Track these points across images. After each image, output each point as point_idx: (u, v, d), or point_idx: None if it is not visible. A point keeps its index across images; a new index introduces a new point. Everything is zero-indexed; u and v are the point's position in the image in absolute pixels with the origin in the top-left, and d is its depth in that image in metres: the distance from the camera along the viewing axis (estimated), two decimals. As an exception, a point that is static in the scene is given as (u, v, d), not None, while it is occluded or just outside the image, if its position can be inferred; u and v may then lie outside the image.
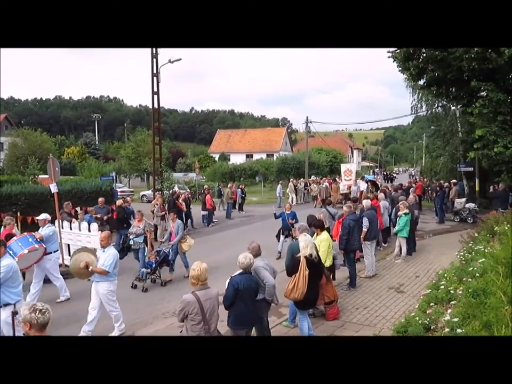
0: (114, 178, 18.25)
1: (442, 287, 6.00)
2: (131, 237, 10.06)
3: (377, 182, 25.42)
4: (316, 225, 7.39)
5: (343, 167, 25.28)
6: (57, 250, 8.85)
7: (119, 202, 13.52)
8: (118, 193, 19.46)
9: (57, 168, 10.97)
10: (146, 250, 10.00)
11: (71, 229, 11.17)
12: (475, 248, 7.31)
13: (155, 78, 17.68)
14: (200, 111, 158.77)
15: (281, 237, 11.68)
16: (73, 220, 11.56)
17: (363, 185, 23.06)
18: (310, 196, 26.96)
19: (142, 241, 10.02)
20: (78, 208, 13.82)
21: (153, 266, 9.35)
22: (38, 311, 3.10)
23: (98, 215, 12.59)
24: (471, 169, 20.92)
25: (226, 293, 4.91)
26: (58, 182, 11.71)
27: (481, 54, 12.58)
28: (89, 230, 10.60)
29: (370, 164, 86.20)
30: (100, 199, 13.48)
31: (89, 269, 6.64)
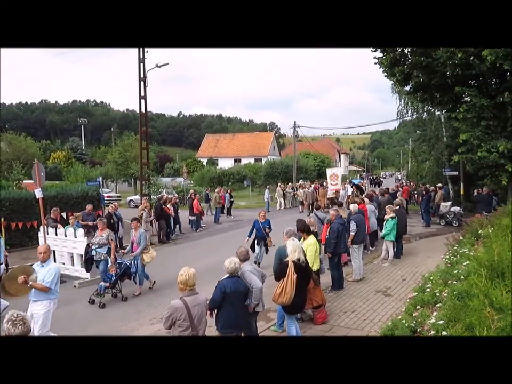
0: (101, 183, 18.06)
1: (428, 290, 6.05)
2: (93, 247, 9.35)
3: (362, 186, 25.59)
4: (302, 230, 7.40)
5: (329, 171, 25.22)
6: (2, 263, 8.10)
7: (110, 208, 13.41)
8: (105, 198, 19.28)
9: (42, 173, 10.83)
10: (109, 262, 9.21)
11: (56, 234, 11.02)
12: (460, 251, 7.38)
13: (142, 82, 17.65)
14: (188, 116, 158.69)
15: (257, 248, 10.82)
16: (59, 225, 11.41)
17: (351, 190, 23.23)
18: (297, 201, 27.06)
19: (105, 252, 9.32)
20: (63, 214, 13.66)
21: (112, 279, 8.67)
22: (10, 322, 2.87)
23: (90, 223, 12.48)
24: (456, 173, 21.25)
25: (213, 296, 4.92)
26: (43, 187, 11.55)
27: (465, 60, 12.83)
28: (75, 236, 10.47)
29: (358, 168, 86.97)
30: (88, 207, 13.34)
31: (28, 285, 5.65)
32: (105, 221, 9.95)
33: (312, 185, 26.69)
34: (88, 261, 9.60)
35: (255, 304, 5.27)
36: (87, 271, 9.90)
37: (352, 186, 24.28)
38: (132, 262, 9.11)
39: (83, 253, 9.91)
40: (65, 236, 10.73)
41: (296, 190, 27.03)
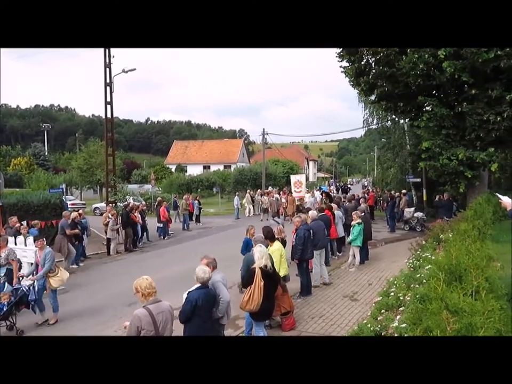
0: (64, 190, 17.48)
1: (392, 294, 6.20)
2: None
3: (330, 193, 25.92)
4: (266, 237, 7.42)
5: (293, 178, 24.58)
6: None
7: (73, 215, 12.99)
8: (69, 206, 18.69)
9: (0, 180, 10.40)
10: (6, 287, 7.72)
11: (15, 244, 10.56)
12: (423, 255, 7.61)
13: (108, 88, 17.32)
14: (156, 122, 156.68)
15: None
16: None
17: (320, 197, 23.51)
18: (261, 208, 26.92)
19: (3, 274, 8.04)
20: (24, 222, 13.13)
21: (4, 309, 7.19)
22: None
23: (77, 231, 12.32)
24: (418, 180, 22.00)
25: (183, 308, 4.76)
26: (2, 194, 11.08)
27: (426, 71, 13.32)
28: (25, 244, 10.06)
29: (326, 175, 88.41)
30: (66, 213, 12.90)
31: None
32: (6, 238, 8.65)
33: (281, 193, 26.77)
34: None
35: (220, 316, 5.18)
36: None
37: (321, 194, 24.56)
38: (31, 287, 7.72)
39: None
40: (25, 245, 10.30)
41: (261, 196, 26.98)
